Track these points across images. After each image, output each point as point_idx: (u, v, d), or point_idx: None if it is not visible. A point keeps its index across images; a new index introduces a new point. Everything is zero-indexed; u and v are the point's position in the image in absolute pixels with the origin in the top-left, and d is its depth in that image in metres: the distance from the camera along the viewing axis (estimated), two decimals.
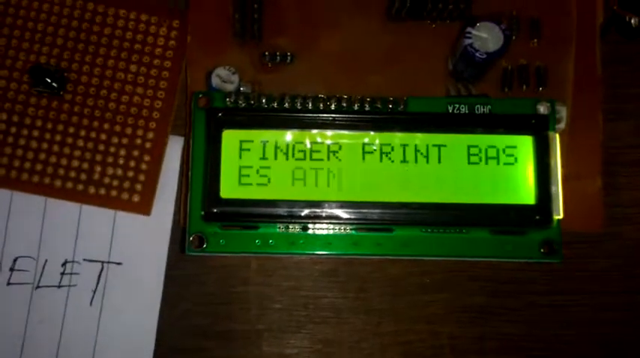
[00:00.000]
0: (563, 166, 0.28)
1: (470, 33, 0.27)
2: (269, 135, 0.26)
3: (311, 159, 0.26)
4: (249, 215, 0.25)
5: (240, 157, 0.25)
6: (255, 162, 0.25)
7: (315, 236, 0.26)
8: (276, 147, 0.26)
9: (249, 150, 0.26)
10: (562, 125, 0.28)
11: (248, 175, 0.25)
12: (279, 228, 0.26)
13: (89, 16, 0.30)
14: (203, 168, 0.25)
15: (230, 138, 0.25)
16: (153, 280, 0.28)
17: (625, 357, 0.29)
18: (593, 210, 0.29)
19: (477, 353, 0.29)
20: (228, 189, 0.25)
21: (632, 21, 0.29)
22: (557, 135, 0.26)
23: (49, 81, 0.28)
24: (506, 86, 0.29)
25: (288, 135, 0.26)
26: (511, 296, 0.29)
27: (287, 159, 0.26)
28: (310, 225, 0.26)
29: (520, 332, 0.29)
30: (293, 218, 0.25)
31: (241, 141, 0.26)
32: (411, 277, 0.29)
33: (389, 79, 0.29)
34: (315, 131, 0.26)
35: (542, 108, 0.26)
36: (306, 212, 0.25)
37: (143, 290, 0.28)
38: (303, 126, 0.26)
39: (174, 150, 0.29)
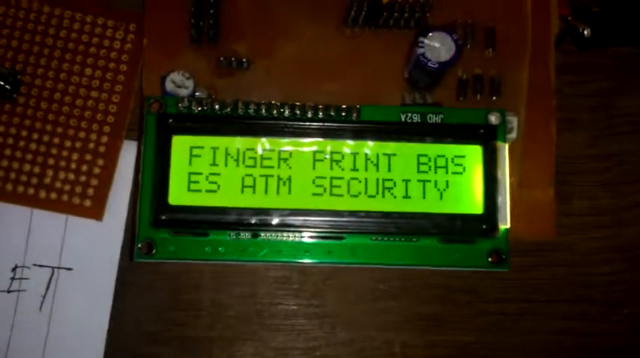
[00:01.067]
0: (516, 175, 0.29)
1: (422, 42, 0.27)
2: (220, 141, 0.26)
3: (261, 166, 0.26)
4: (198, 222, 0.25)
5: (190, 163, 0.25)
6: (205, 169, 0.25)
7: (265, 243, 0.26)
8: (227, 154, 0.26)
9: (199, 156, 0.25)
10: (513, 134, 0.28)
11: (197, 181, 0.25)
12: (230, 235, 0.26)
13: (45, 18, 0.29)
14: (152, 173, 0.25)
15: (180, 144, 0.25)
16: (104, 286, 0.28)
17: None
18: (545, 219, 0.29)
19: None
20: (177, 195, 0.25)
21: (585, 32, 0.29)
22: (506, 146, 0.26)
23: (2, 84, 0.28)
24: (461, 95, 0.29)
25: (239, 142, 0.26)
26: (463, 304, 0.29)
27: (237, 165, 0.25)
28: (261, 233, 0.26)
29: (472, 340, 0.29)
30: (242, 225, 0.25)
31: (191, 148, 0.25)
32: (365, 284, 0.29)
33: (345, 86, 0.29)
34: (266, 138, 0.26)
35: (494, 119, 0.27)
36: (255, 219, 0.25)
37: (94, 296, 0.28)
38: (255, 133, 0.26)
39: (128, 155, 0.29)
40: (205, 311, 0.29)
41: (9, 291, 0.28)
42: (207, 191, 0.25)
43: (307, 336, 0.29)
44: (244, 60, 0.29)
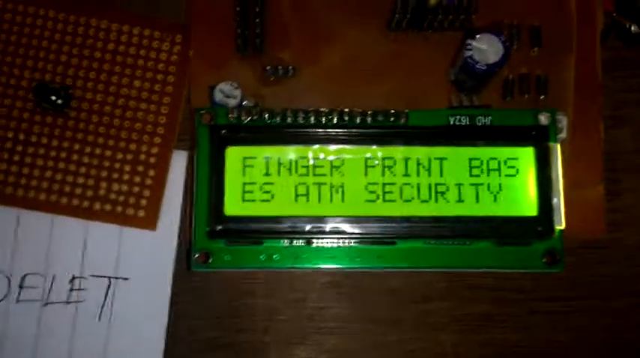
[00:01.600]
0: (565, 174, 0.28)
1: (470, 45, 0.27)
2: (272, 151, 0.26)
3: (314, 174, 0.26)
4: (253, 231, 0.26)
5: (244, 174, 0.26)
6: (259, 179, 0.26)
7: (318, 249, 0.27)
8: (279, 163, 0.26)
9: (252, 166, 0.26)
10: (563, 134, 0.28)
11: (252, 191, 0.26)
12: (284, 242, 0.26)
13: (92, 32, 0.30)
14: (207, 185, 0.25)
15: (233, 155, 0.26)
16: (160, 294, 0.29)
17: None
18: (595, 217, 0.29)
19: None
20: (232, 205, 0.25)
21: (632, 28, 0.29)
22: (558, 146, 0.26)
23: (53, 98, 0.29)
24: (508, 95, 0.29)
25: (291, 151, 0.26)
26: (513, 303, 0.29)
27: (290, 174, 0.26)
28: (314, 240, 0.26)
29: (522, 338, 0.29)
30: (296, 233, 0.26)
31: (244, 158, 0.26)
32: (414, 287, 0.29)
33: (391, 91, 0.29)
34: (317, 146, 0.26)
35: (543, 119, 0.27)
36: (309, 227, 0.26)
37: (150, 304, 0.29)
38: (306, 141, 0.26)
39: (178, 164, 0.30)
40: (259, 316, 0.29)
41: (68, 302, 0.29)
42: (262, 201, 0.26)
43: (358, 338, 0.29)
44: (290, 67, 0.29)
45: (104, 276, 0.29)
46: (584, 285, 0.29)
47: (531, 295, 0.29)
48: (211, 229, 0.25)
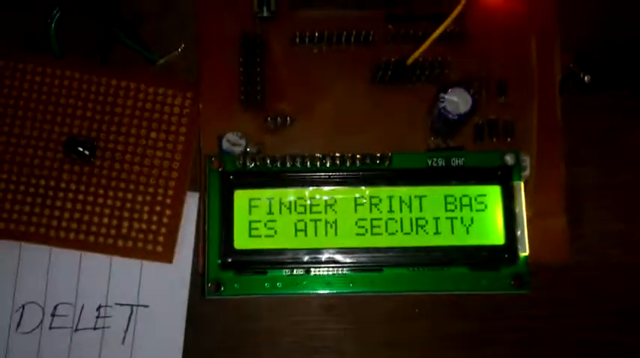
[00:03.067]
0: (531, 206, 0.32)
1: (443, 98, 0.31)
2: (274, 193, 0.30)
3: (311, 212, 0.30)
4: (260, 262, 0.29)
5: (250, 213, 0.30)
6: (263, 217, 0.30)
7: (316, 277, 0.30)
8: (281, 204, 0.30)
9: (257, 206, 0.30)
10: (527, 172, 0.32)
11: (257, 228, 0.30)
12: (285, 272, 0.30)
13: (113, 91, 0.34)
14: (219, 223, 0.29)
15: (241, 197, 0.30)
16: (176, 319, 0.32)
17: None
18: (560, 244, 0.33)
19: None
20: (241, 240, 0.29)
21: (586, 79, 0.33)
22: (522, 184, 0.30)
23: (81, 150, 0.33)
24: (478, 138, 0.33)
25: (291, 193, 0.30)
26: (491, 321, 0.33)
27: (290, 213, 0.30)
28: (312, 269, 0.30)
29: (500, 353, 0.33)
30: (297, 263, 0.29)
31: (250, 199, 0.30)
32: (403, 309, 0.33)
33: (376, 136, 0.33)
34: (313, 188, 0.30)
35: (509, 159, 0.31)
36: (307, 258, 0.29)
37: (168, 328, 0.32)
38: (303, 183, 0.30)
39: (191, 204, 0.34)
40: (264, 338, 0.33)
41: (95, 328, 0.32)
42: (266, 236, 0.29)
43: (354, 356, 0.33)
44: (288, 118, 0.33)
45: (127, 305, 0.33)
46: (552, 305, 0.33)
47: (505, 315, 0.33)
48: (223, 261, 0.29)
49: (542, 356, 0.33)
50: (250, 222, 0.30)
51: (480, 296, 0.33)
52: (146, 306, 0.33)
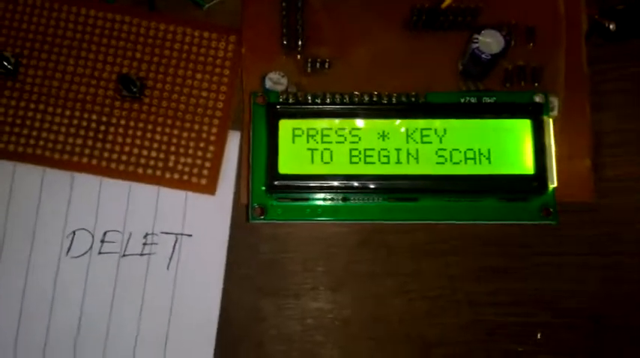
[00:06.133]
0: (557, 147, 0.34)
1: (477, 38, 0.33)
2: (315, 123, 0.32)
3: (350, 142, 0.31)
4: (302, 187, 0.31)
5: (293, 141, 0.31)
6: (305, 145, 0.31)
7: (354, 206, 0.32)
8: (322, 133, 0.32)
9: (300, 135, 0.32)
10: (555, 112, 0.33)
11: (299, 155, 0.31)
12: (325, 199, 0.32)
13: (161, 34, 0.36)
14: (266, 151, 0.31)
15: (285, 126, 0.31)
16: (218, 248, 0.34)
17: (610, 306, 0.34)
18: (584, 184, 0.35)
19: (490, 304, 0.34)
20: (285, 166, 0.31)
21: (611, 27, 0.35)
22: (550, 119, 0.32)
23: (132, 87, 0.35)
24: (507, 82, 0.35)
25: (330, 123, 0.32)
26: (516, 257, 0.34)
27: (330, 142, 0.31)
28: (351, 196, 0.32)
29: (526, 286, 0.34)
30: (336, 189, 0.31)
31: (294, 129, 0.32)
32: (433, 243, 0.35)
33: (409, 80, 0.35)
34: (351, 119, 0.32)
35: (538, 99, 0.32)
36: (345, 184, 0.31)
37: (211, 256, 0.34)
38: (342, 116, 0.32)
39: (233, 142, 0.35)
40: (299, 266, 0.35)
41: (142, 255, 0.34)
42: (308, 163, 0.31)
43: (385, 287, 0.34)
44: (326, 61, 0.35)
45: (172, 233, 0.34)
46: (575, 242, 0.35)
47: (531, 250, 0.35)
48: (269, 184, 0.31)
49: (564, 290, 0.35)
50: (293, 150, 0.31)
51: (508, 231, 0.34)
52: (190, 235, 0.34)
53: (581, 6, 0.36)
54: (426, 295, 0.34)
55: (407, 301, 0.34)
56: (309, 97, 0.32)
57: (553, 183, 0.31)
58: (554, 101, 0.33)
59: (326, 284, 0.35)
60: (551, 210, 0.32)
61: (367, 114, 0.32)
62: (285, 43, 0.36)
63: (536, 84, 0.35)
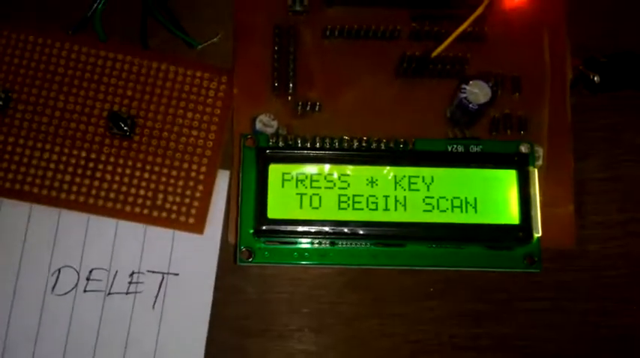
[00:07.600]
0: (541, 195, 0.34)
1: (464, 88, 0.33)
2: (304, 169, 0.32)
3: (338, 188, 0.32)
4: (290, 232, 0.31)
5: (282, 186, 0.32)
6: (294, 190, 0.32)
7: (341, 250, 0.32)
8: (310, 179, 0.32)
9: (289, 180, 0.32)
10: (540, 162, 0.34)
11: (288, 200, 0.32)
12: (313, 243, 0.32)
13: (153, 72, 0.36)
14: (254, 194, 0.31)
15: (275, 171, 0.32)
16: (204, 288, 0.34)
17: (591, 351, 0.35)
18: (566, 231, 0.35)
19: (474, 349, 0.35)
20: (274, 211, 0.31)
21: (595, 79, 0.36)
22: (536, 170, 0.33)
23: (122, 125, 0.35)
24: (493, 130, 0.36)
25: (320, 169, 0.32)
26: (500, 302, 0.35)
27: (319, 187, 0.32)
28: (338, 241, 0.32)
29: (508, 331, 0.35)
30: (322, 234, 0.31)
31: (283, 173, 0.32)
32: (418, 287, 0.35)
33: (398, 126, 0.36)
34: (340, 165, 0.32)
35: (524, 148, 0.33)
36: (334, 230, 0.31)
37: (196, 296, 0.34)
38: (331, 161, 0.32)
39: (222, 181, 0.36)
40: (285, 308, 0.35)
41: (127, 293, 0.34)
42: (297, 208, 0.31)
43: (370, 329, 0.35)
44: (317, 104, 0.36)
45: (158, 272, 0.34)
46: (556, 288, 0.35)
47: (513, 295, 0.35)
48: (257, 229, 0.31)
49: (547, 334, 0.35)
50: (282, 194, 0.32)
51: (492, 277, 0.35)
52: (176, 274, 0.35)
53: (567, 57, 0.37)
54: (410, 338, 0.35)
55: (391, 344, 0.35)
56: (299, 141, 0.33)
57: (538, 233, 0.32)
58: (540, 150, 0.34)
59: (311, 325, 0.35)
60: (536, 258, 0.32)
61: (356, 161, 0.32)
62: (276, 84, 0.36)
63: (522, 132, 0.36)
